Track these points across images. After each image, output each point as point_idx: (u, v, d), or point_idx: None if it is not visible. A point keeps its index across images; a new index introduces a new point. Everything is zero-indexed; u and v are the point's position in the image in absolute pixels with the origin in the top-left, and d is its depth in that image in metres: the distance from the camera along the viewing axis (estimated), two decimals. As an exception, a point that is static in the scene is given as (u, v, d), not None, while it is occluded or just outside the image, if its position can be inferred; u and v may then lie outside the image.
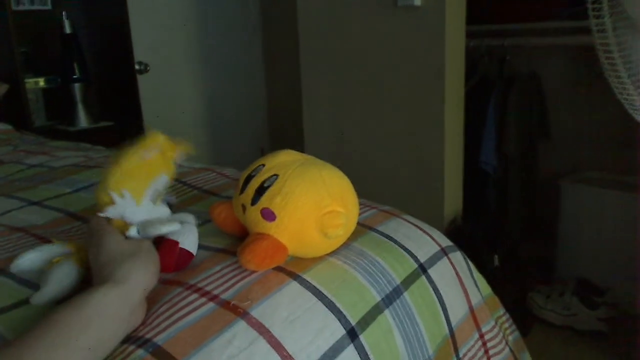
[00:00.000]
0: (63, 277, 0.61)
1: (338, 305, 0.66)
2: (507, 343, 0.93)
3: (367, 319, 0.68)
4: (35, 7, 2.32)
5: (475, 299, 0.90)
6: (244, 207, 0.70)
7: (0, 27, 2.08)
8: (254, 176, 0.71)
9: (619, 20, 1.37)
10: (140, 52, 2.43)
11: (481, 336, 0.87)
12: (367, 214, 0.90)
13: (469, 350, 0.83)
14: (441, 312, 0.80)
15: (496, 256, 1.82)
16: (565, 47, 2.31)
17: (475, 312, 0.88)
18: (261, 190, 0.68)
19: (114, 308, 0.53)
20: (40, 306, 0.60)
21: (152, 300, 0.61)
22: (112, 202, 0.65)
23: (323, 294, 0.66)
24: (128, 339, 0.55)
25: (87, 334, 0.50)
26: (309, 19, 2.16)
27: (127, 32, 2.29)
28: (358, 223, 0.79)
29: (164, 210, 0.69)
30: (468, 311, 0.87)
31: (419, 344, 0.73)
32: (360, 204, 0.78)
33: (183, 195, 0.98)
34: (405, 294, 0.75)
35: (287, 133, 3.10)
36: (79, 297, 0.53)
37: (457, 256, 0.92)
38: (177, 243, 0.66)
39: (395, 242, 0.83)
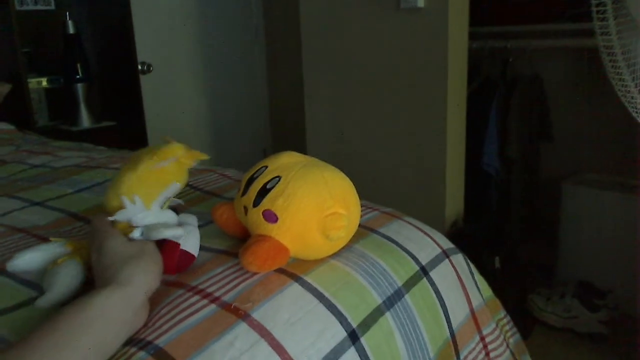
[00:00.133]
0: (68, 278, 0.61)
1: (339, 307, 0.66)
2: (507, 345, 0.93)
3: (368, 322, 0.68)
4: (39, 7, 2.33)
5: (476, 301, 0.90)
6: (245, 209, 0.70)
7: (3, 27, 2.08)
8: (256, 178, 0.71)
9: (623, 23, 1.37)
10: (142, 53, 2.44)
11: (482, 338, 0.87)
12: (369, 215, 0.90)
13: (470, 352, 0.83)
14: (442, 315, 0.80)
15: (497, 258, 1.82)
16: (567, 50, 2.31)
17: (476, 314, 0.88)
18: (263, 192, 0.68)
19: (117, 310, 0.53)
20: (45, 309, 0.60)
21: (154, 302, 0.61)
22: (122, 207, 0.65)
23: (324, 296, 0.66)
24: (130, 341, 0.55)
25: (90, 336, 0.50)
26: (311, 20, 2.16)
27: (130, 33, 2.30)
28: (360, 225, 0.79)
29: (170, 215, 0.70)
30: (469, 313, 0.87)
31: (420, 346, 0.73)
32: (362, 205, 0.78)
33: (185, 196, 0.98)
34: (407, 296, 0.75)
35: (289, 133, 3.10)
36: (82, 299, 0.53)
37: (459, 258, 0.92)
38: (178, 245, 0.66)
39: (397, 244, 0.83)
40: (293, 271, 0.69)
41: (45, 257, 0.64)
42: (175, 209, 0.73)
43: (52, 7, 2.37)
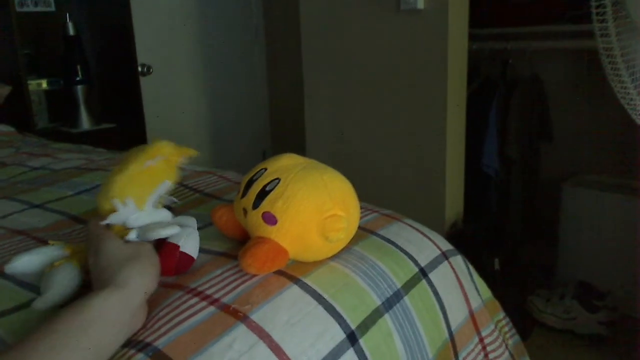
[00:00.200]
0: (65, 281, 0.61)
1: (338, 309, 0.66)
2: (507, 347, 0.93)
3: (367, 323, 0.68)
4: (39, 8, 2.33)
5: (476, 302, 0.90)
6: (245, 211, 0.70)
7: (3, 29, 2.09)
8: (255, 180, 0.71)
9: (623, 24, 1.38)
10: (142, 54, 2.44)
11: (481, 340, 0.87)
12: (369, 217, 0.90)
13: (468, 354, 0.83)
14: (441, 316, 0.80)
15: (496, 260, 1.82)
16: (567, 51, 2.31)
17: (475, 316, 0.88)
18: (263, 194, 0.68)
19: (115, 312, 0.53)
20: (42, 310, 0.60)
21: (153, 303, 0.61)
22: (114, 210, 0.64)
23: (323, 297, 0.66)
24: (128, 343, 0.55)
25: (87, 338, 0.50)
26: (311, 20, 2.16)
27: (130, 34, 2.30)
28: (359, 227, 0.79)
29: (164, 214, 0.69)
30: (468, 315, 0.87)
31: (419, 348, 0.73)
32: (361, 207, 0.78)
33: (184, 198, 0.98)
34: (406, 298, 0.76)
35: (289, 134, 3.10)
36: (79, 302, 0.53)
37: (458, 260, 0.92)
38: (177, 247, 0.67)
39: (396, 246, 0.83)
40: (292, 273, 0.69)
41: (44, 260, 0.64)
42: (170, 207, 0.73)
43: (53, 8, 2.37)
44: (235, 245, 0.74)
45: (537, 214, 2.44)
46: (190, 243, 0.68)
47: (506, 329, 0.98)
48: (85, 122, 2.33)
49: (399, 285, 0.76)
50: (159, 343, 0.55)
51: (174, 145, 0.69)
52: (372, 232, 0.84)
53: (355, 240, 0.78)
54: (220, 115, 3.01)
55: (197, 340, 0.56)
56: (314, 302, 0.65)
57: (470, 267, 0.96)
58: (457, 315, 0.84)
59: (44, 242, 0.79)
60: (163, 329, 0.57)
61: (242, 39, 3.07)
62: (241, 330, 0.58)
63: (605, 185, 2.16)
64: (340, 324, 0.65)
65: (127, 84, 2.39)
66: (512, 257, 1.96)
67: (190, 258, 0.68)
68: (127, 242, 0.64)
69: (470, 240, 1.87)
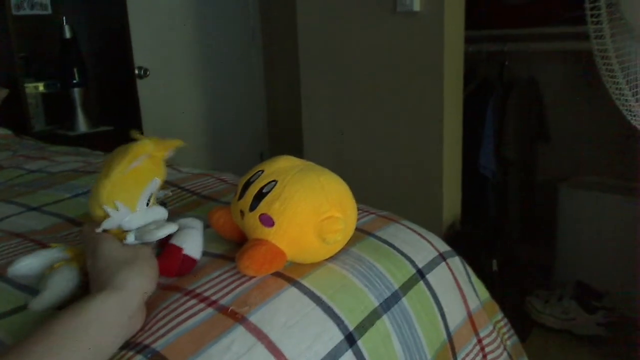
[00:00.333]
0: (62, 282, 0.61)
1: (336, 310, 0.66)
2: (505, 348, 0.93)
3: (365, 324, 0.68)
4: (35, 12, 2.33)
5: (474, 303, 0.90)
6: (242, 213, 0.70)
7: (0, 32, 2.08)
8: (252, 182, 0.71)
9: (617, 26, 1.38)
10: (139, 57, 2.44)
11: (479, 341, 0.87)
12: (366, 219, 0.90)
13: (467, 355, 0.83)
14: (439, 318, 0.80)
15: (494, 261, 1.82)
16: (564, 52, 2.32)
17: (473, 317, 0.88)
18: (260, 196, 0.69)
19: (113, 314, 0.53)
20: (39, 312, 0.60)
21: (151, 305, 0.61)
22: (107, 216, 0.64)
23: (321, 299, 0.66)
24: (127, 345, 0.55)
25: (85, 340, 0.50)
26: (308, 22, 2.17)
27: (127, 37, 2.30)
28: (356, 228, 0.79)
29: (159, 211, 0.69)
30: (466, 316, 0.87)
31: (417, 349, 0.73)
32: (358, 209, 0.78)
33: (182, 200, 0.98)
34: (404, 299, 0.76)
35: (287, 135, 3.10)
36: (77, 304, 0.53)
37: (456, 261, 0.93)
38: (180, 249, 0.67)
39: (394, 247, 0.83)
40: (290, 275, 0.69)
41: (45, 262, 0.64)
42: (165, 204, 0.72)
43: (49, 11, 2.37)
44: (232, 247, 0.75)
45: (534, 215, 2.45)
46: (193, 245, 0.68)
47: (504, 329, 0.98)
48: (83, 125, 2.33)
49: (396, 286, 0.76)
50: (158, 345, 0.55)
51: (156, 140, 0.67)
52: (370, 234, 0.85)
53: (352, 241, 0.78)
54: (217, 117, 3.02)
55: (196, 342, 0.56)
56: (312, 304, 0.65)
57: (468, 268, 0.96)
58: (455, 316, 0.84)
59: (42, 245, 0.79)
60: (161, 331, 0.57)
61: (239, 40, 3.08)
62: (239, 331, 0.58)
63: (602, 186, 2.17)
64: (338, 325, 0.65)
65: (124, 87, 2.39)
66: (510, 258, 1.96)
67: (193, 260, 0.68)
68: (126, 245, 0.64)
69: (468, 241, 1.87)
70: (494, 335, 0.91)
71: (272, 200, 0.68)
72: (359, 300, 0.70)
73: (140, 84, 2.46)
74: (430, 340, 0.77)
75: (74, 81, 2.27)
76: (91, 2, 2.45)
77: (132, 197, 0.64)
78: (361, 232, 0.84)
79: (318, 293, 0.67)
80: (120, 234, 0.65)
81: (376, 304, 0.71)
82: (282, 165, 0.73)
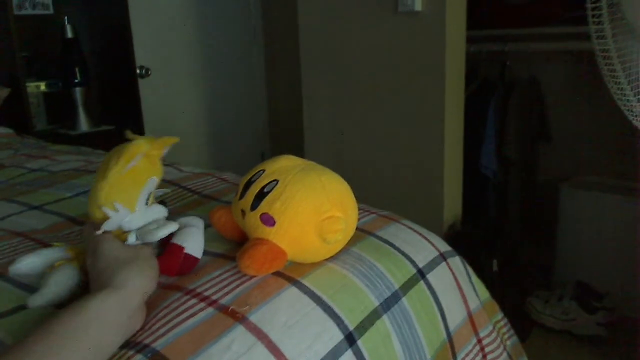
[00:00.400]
0: (62, 280, 0.62)
1: (336, 310, 0.66)
2: (505, 348, 0.93)
3: (366, 324, 0.68)
4: (37, 11, 2.33)
5: (474, 303, 0.90)
6: (243, 213, 0.70)
7: (1, 32, 2.09)
8: (253, 181, 0.71)
9: (619, 26, 1.38)
10: (140, 56, 2.44)
11: (479, 341, 0.87)
12: (366, 219, 0.90)
13: (467, 355, 0.83)
14: (439, 317, 0.80)
15: (495, 261, 1.82)
16: (565, 52, 2.32)
17: (473, 317, 0.88)
18: (261, 195, 0.69)
19: (113, 314, 0.54)
20: (40, 311, 0.60)
21: (151, 305, 0.61)
22: (106, 217, 0.64)
23: (321, 299, 0.67)
24: (127, 344, 0.55)
25: (85, 339, 0.50)
26: (309, 22, 2.17)
27: (128, 36, 2.30)
28: (357, 228, 0.79)
29: (159, 210, 0.69)
30: (466, 316, 0.87)
31: (417, 348, 0.74)
32: (359, 209, 0.78)
33: (183, 200, 0.99)
34: (404, 299, 0.76)
35: (288, 135, 3.10)
36: (77, 303, 0.53)
37: (456, 261, 0.93)
38: (182, 248, 0.67)
39: (394, 247, 0.83)
40: (290, 274, 0.69)
41: (46, 261, 0.65)
42: (164, 202, 0.72)
43: (51, 11, 2.37)
44: (233, 246, 0.75)
45: (535, 215, 2.45)
46: (194, 244, 0.68)
47: (504, 329, 0.98)
48: (84, 124, 2.33)
49: (396, 286, 0.76)
50: (158, 344, 0.55)
51: (151, 139, 0.66)
52: (370, 233, 0.85)
53: (353, 241, 0.78)
54: (218, 116, 3.02)
55: (196, 342, 0.56)
56: (312, 303, 0.65)
57: (469, 268, 0.96)
58: (455, 316, 0.84)
59: (43, 244, 0.80)
60: (161, 330, 0.57)
61: (240, 40, 3.08)
62: (239, 331, 0.58)
63: (603, 186, 2.17)
64: (338, 325, 0.65)
65: (126, 86, 2.39)
66: (510, 258, 1.96)
67: (195, 259, 0.68)
68: (127, 245, 0.64)
69: (469, 241, 1.87)
70: (493, 335, 0.91)
71: (273, 200, 0.68)
72: (359, 300, 0.70)
73: (141, 83, 2.46)
74: (430, 340, 0.77)
75: (76, 80, 2.27)
76: (93, 2, 2.45)
77: (130, 198, 0.65)
78: (362, 232, 0.84)
79: (318, 293, 0.67)
80: (121, 234, 0.65)
81: (376, 303, 0.71)
82: (284, 165, 0.73)
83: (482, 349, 0.87)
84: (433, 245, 0.90)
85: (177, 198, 0.99)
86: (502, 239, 2.05)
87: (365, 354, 0.65)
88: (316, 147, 2.27)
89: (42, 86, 2.33)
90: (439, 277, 0.85)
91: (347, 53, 2.07)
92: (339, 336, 0.64)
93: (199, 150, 2.95)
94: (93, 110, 2.40)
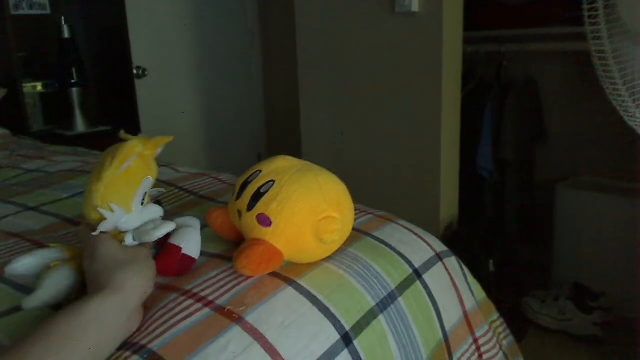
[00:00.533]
0: (58, 281, 0.62)
1: (333, 310, 0.66)
2: (501, 347, 0.94)
3: (362, 324, 0.68)
4: (34, 11, 2.33)
5: (470, 303, 0.91)
6: (240, 213, 0.70)
7: (-2, 32, 2.09)
8: (250, 182, 0.71)
9: (615, 27, 1.39)
10: (138, 57, 2.44)
11: (475, 341, 0.87)
12: (363, 219, 0.90)
13: (463, 354, 0.83)
14: (435, 317, 0.80)
15: (491, 261, 1.83)
16: (562, 53, 2.33)
17: (469, 316, 0.88)
18: (257, 196, 0.69)
19: (111, 315, 0.54)
20: (36, 312, 0.60)
21: (148, 306, 0.61)
22: (102, 218, 0.63)
23: (318, 299, 0.67)
24: (124, 345, 0.55)
25: (84, 341, 0.50)
26: (306, 22, 2.17)
27: (125, 37, 2.30)
28: (354, 228, 0.80)
29: (155, 209, 0.69)
30: (462, 316, 0.87)
31: (413, 349, 0.74)
32: (355, 209, 0.78)
33: (180, 200, 0.99)
34: (400, 299, 0.76)
35: (285, 136, 3.10)
36: (75, 304, 0.53)
37: (452, 261, 0.93)
38: (179, 248, 0.67)
39: (391, 247, 0.83)
40: (287, 275, 0.69)
41: (42, 262, 0.64)
42: (160, 201, 0.72)
43: (48, 11, 2.37)
44: (230, 247, 0.75)
45: (532, 215, 2.45)
46: (192, 245, 0.68)
47: (500, 329, 0.98)
48: (81, 125, 2.32)
49: (393, 286, 0.76)
50: (154, 345, 0.55)
51: (145, 139, 0.66)
52: (367, 234, 0.85)
53: (349, 241, 0.78)
54: (215, 117, 3.02)
55: (192, 342, 0.56)
56: (309, 304, 0.66)
57: (465, 268, 0.97)
58: (451, 316, 0.84)
59: (39, 245, 0.80)
60: (158, 331, 0.57)
61: (238, 40, 3.08)
62: (236, 331, 0.58)
63: (600, 187, 2.18)
64: (334, 325, 0.65)
65: (123, 87, 2.39)
66: (507, 258, 1.97)
67: (192, 260, 0.68)
68: (124, 246, 0.64)
69: (466, 241, 1.88)
70: (489, 335, 0.91)
71: (269, 200, 0.68)
72: (355, 300, 0.70)
73: (138, 84, 2.46)
74: (426, 340, 0.77)
75: (73, 81, 2.27)
76: (90, 2, 2.44)
77: (126, 198, 0.65)
78: (358, 232, 0.84)
79: (315, 293, 0.67)
80: (118, 235, 0.65)
81: (373, 304, 0.72)
82: (280, 165, 0.73)
83: (478, 348, 0.87)
84: (429, 245, 0.90)
85: (173, 199, 0.99)
86: (499, 239, 2.06)
87: (362, 354, 0.65)
88: (313, 147, 2.27)
89: (39, 86, 2.33)
90: (435, 277, 0.85)
91: (344, 53, 2.07)
92: (335, 336, 0.64)
93: (196, 150, 2.95)
94: (90, 111, 2.40)
